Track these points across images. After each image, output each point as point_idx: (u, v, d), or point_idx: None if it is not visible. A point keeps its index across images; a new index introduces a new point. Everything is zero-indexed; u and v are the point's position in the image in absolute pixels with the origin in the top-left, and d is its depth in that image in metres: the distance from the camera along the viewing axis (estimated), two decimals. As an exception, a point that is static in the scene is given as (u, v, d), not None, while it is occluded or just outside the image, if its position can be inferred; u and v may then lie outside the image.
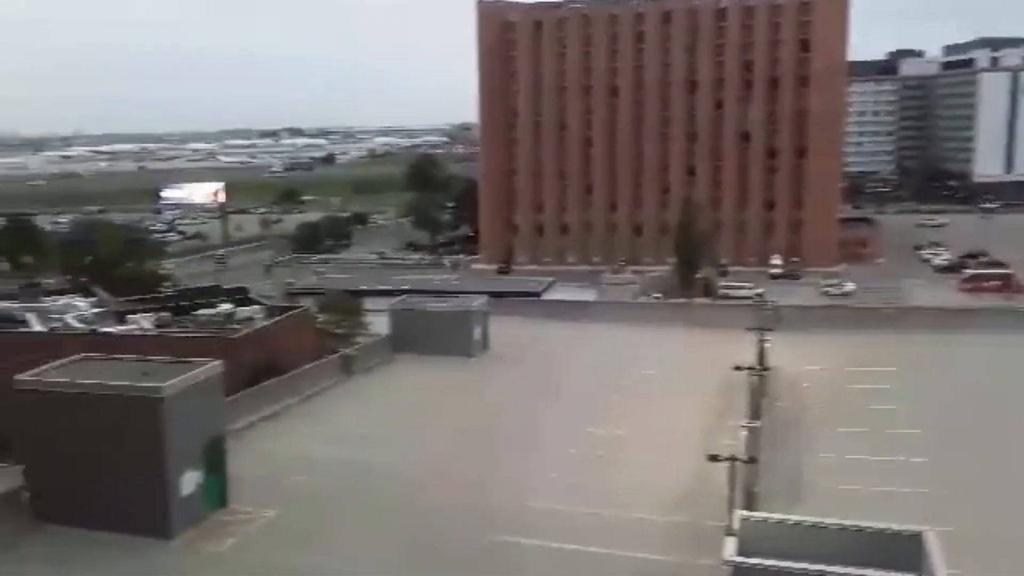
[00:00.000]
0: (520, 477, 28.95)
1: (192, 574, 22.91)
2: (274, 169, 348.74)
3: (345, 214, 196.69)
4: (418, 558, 23.38)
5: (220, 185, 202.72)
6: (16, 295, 77.75)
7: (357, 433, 33.70)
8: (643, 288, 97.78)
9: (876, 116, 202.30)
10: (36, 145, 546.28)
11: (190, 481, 25.19)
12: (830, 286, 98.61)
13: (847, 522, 18.26)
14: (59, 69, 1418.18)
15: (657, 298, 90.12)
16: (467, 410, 36.42)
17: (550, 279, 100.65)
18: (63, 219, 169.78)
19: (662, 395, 38.20)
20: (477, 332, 45.68)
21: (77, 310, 72.75)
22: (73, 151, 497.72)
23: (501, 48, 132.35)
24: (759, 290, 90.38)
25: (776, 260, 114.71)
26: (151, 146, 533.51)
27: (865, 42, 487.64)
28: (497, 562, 23.10)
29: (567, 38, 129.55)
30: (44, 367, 26.90)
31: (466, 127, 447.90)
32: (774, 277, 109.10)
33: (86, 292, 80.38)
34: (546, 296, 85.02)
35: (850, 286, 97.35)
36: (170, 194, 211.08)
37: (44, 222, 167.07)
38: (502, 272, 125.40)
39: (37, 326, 68.31)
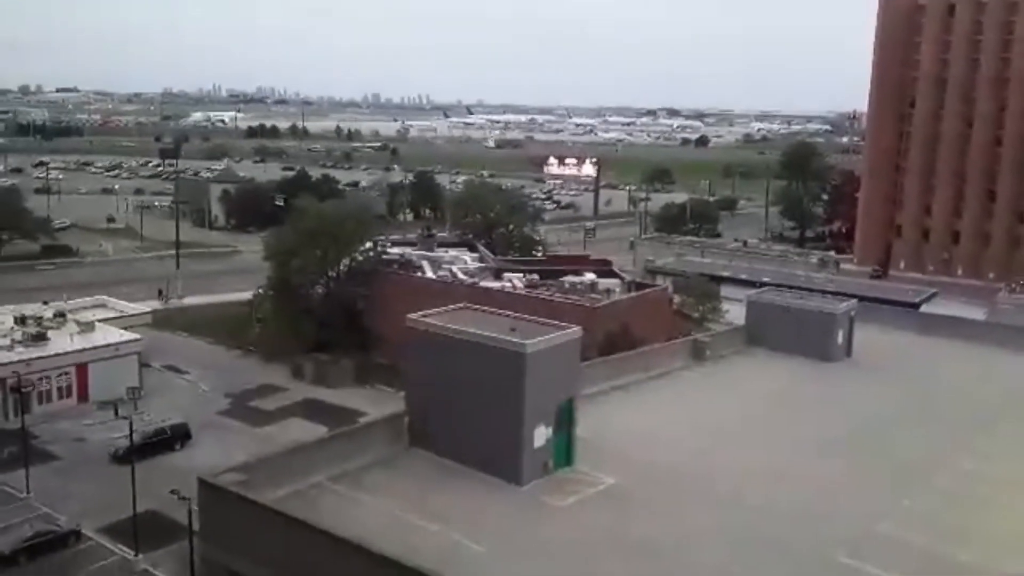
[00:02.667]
0: (870, 497, 26.88)
1: (537, 521, 24.44)
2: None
3: (713, 197, 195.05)
4: (748, 556, 22.77)
5: (595, 160, 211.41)
6: (415, 243, 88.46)
7: (702, 418, 33.48)
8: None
9: None
10: (445, 111, 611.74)
11: (541, 436, 26.83)
12: None
13: None
14: (460, 45, 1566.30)
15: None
16: (820, 416, 34.47)
17: (931, 290, 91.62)
18: (459, 179, 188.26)
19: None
20: (840, 336, 42.90)
21: (463, 263, 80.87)
22: (473, 119, 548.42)
23: (904, 33, 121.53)
24: None
25: None
26: (539, 118, 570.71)
27: None
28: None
29: (984, 24, 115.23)
30: (432, 311, 30.01)
31: (852, 116, 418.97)
32: None
33: (471, 248, 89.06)
34: (925, 308, 77.47)
35: None
36: (552, 165, 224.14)
37: (444, 180, 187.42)
38: (876, 276, 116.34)
39: (429, 273, 77.21)
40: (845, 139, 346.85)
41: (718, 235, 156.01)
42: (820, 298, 46.86)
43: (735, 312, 64.87)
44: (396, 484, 25.97)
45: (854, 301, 45.75)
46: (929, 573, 22.15)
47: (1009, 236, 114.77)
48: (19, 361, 61.20)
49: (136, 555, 44.45)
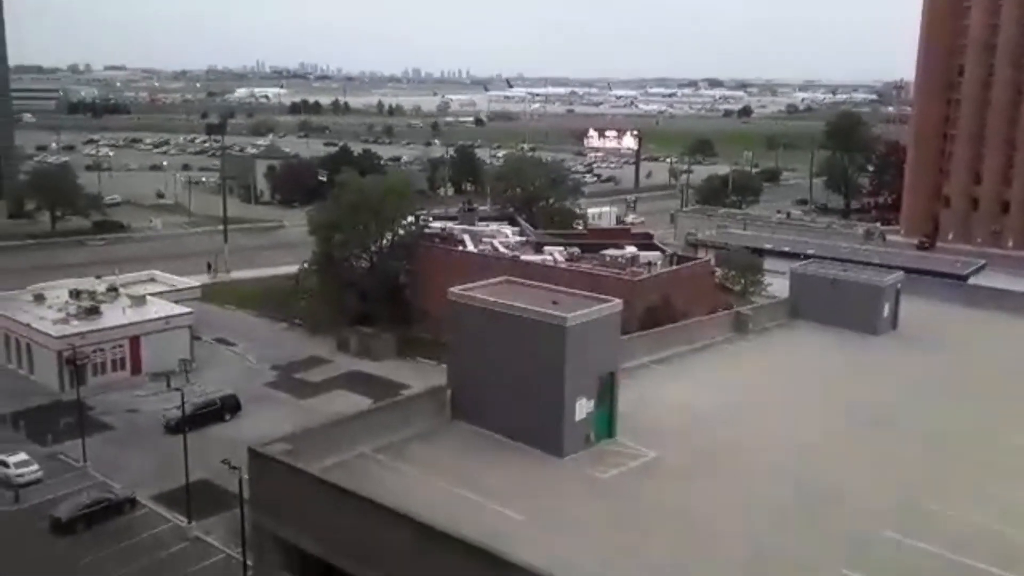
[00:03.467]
0: (915, 470, 26.74)
1: (579, 493, 24.74)
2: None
3: (756, 169, 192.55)
4: (791, 529, 22.87)
5: (635, 132, 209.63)
6: (456, 217, 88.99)
7: (745, 392, 33.41)
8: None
9: None
10: (484, 84, 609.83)
11: (582, 408, 27.09)
12: None
13: None
14: (498, 18, 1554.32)
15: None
16: (866, 390, 34.21)
17: (980, 261, 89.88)
18: (500, 153, 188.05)
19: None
20: (886, 309, 42.37)
21: (503, 237, 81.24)
22: (513, 92, 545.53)
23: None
24: None
25: None
26: (580, 91, 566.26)
27: None
28: (876, 554, 21.74)
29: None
30: (473, 285, 30.28)
31: (899, 85, 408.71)
32: None
33: (512, 221, 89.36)
34: (974, 280, 76.07)
35: None
36: (592, 138, 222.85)
37: (484, 155, 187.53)
38: (923, 247, 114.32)
39: (471, 247, 77.74)
40: (891, 108, 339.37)
41: (810, 206, 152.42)
42: (865, 270, 46.28)
43: (778, 285, 64.41)
44: (438, 455, 26.44)
45: (900, 273, 45.07)
46: (975, 547, 21.96)
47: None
48: (74, 334, 63.18)
49: (189, 522, 45.97)
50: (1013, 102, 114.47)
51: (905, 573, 21.09)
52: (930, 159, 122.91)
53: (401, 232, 79.61)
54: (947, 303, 47.32)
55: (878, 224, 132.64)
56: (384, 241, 79.48)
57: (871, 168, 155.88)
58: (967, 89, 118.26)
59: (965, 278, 76.94)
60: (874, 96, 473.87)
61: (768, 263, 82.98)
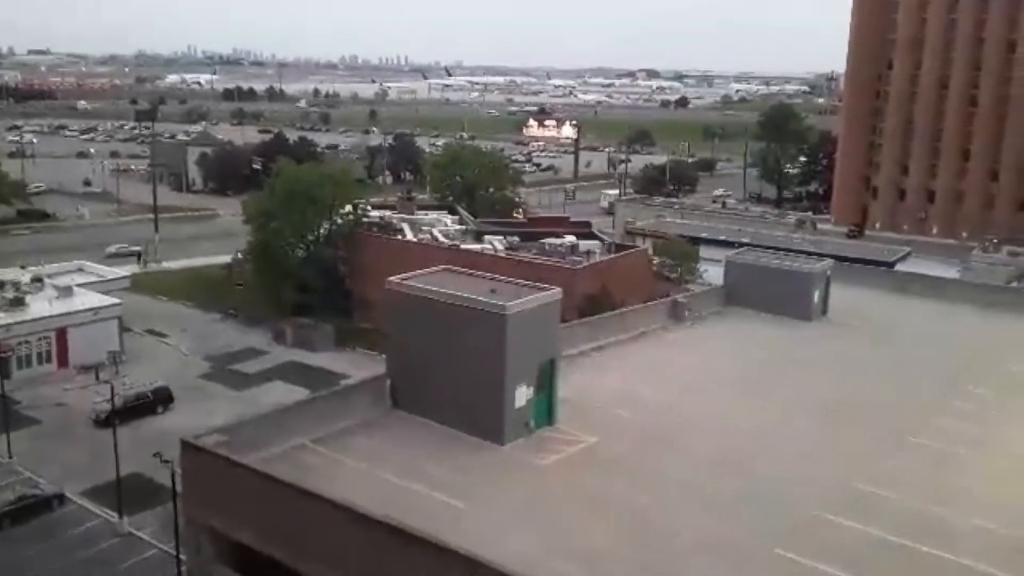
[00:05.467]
0: (849, 455, 27.40)
1: (519, 480, 24.81)
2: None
3: (692, 158, 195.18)
4: (727, 514, 23.27)
5: (575, 122, 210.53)
6: (394, 206, 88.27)
7: (681, 378, 33.90)
8: (1020, 272, 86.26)
9: None
10: (424, 72, 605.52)
11: (522, 396, 27.15)
12: None
13: None
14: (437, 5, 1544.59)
15: (1036, 285, 79.05)
16: (799, 375, 35.03)
17: (906, 249, 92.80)
18: (439, 142, 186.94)
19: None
20: (817, 295, 43.45)
21: (443, 226, 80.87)
22: (452, 81, 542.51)
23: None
24: None
25: None
26: (519, 79, 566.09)
27: None
28: (813, 537, 22.24)
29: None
30: (411, 273, 30.07)
31: (831, 77, 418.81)
32: None
33: (452, 210, 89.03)
34: (900, 267, 78.47)
35: None
36: (531, 127, 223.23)
37: (423, 143, 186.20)
38: (852, 236, 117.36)
39: (410, 236, 77.20)
40: (822, 100, 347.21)
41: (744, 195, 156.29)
42: (797, 258, 47.30)
43: (714, 273, 65.47)
44: (378, 445, 26.24)
45: (830, 261, 46.24)
46: (908, 529, 22.54)
47: (983, 195, 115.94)
48: (-3, 326, 60.93)
49: (120, 518, 44.83)
50: (939, 95, 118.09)
51: (840, 553, 21.60)
52: (859, 150, 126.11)
53: (339, 221, 78.62)
54: (875, 289, 48.70)
55: (810, 213, 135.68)
56: (322, 230, 78.40)
57: (803, 158, 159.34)
58: (895, 82, 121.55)
59: (892, 265, 79.28)
60: (806, 88, 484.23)
61: (704, 251, 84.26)
